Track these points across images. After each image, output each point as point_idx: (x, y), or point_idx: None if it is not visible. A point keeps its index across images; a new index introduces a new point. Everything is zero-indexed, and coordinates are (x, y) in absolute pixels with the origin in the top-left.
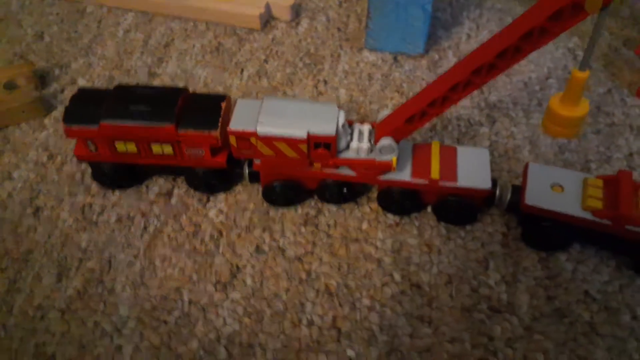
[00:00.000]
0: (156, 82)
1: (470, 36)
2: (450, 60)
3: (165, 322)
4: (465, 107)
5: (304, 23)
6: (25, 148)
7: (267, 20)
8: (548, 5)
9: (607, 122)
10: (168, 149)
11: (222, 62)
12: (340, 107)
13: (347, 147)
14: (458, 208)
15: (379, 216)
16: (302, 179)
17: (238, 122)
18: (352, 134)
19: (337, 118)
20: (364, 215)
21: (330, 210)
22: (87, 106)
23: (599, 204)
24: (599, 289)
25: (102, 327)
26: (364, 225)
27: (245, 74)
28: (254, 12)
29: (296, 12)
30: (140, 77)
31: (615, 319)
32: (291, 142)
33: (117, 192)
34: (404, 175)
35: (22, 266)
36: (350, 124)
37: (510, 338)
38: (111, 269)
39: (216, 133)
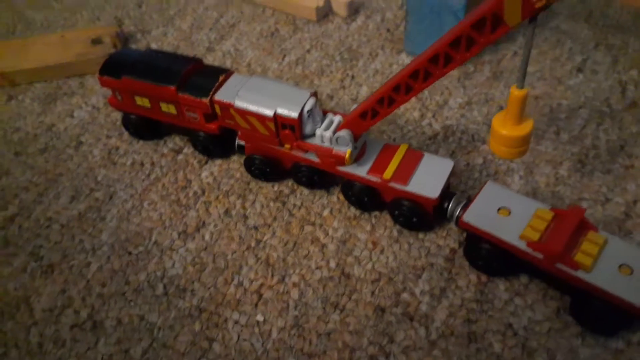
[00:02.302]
0: (210, 56)
1: (517, 54)
2: (484, 74)
3: (130, 253)
4: (475, 122)
5: (359, 20)
6: (91, 94)
7: (327, 13)
8: (473, 15)
9: (624, 163)
10: (172, 109)
11: (271, 46)
12: (314, 94)
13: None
14: (407, 212)
15: (343, 207)
16: (278, 157)
17: (223, 94)
18: (322, 122)
19: (305, 103)
20: (329, 204)
21: (302, 193)
22: (119, 63)
23: (535, 236)
24: (526, 326)
25: (83, 245)
26: (325, 212)
27: (287, 59)
28: (312, 5)
29: (355, 9)
30: (197, 50)
31: (527, 359)
32: (261, 118)
33: (140, 142)
34: (361, 170)
35: (50, 185)
36: (325, 113)
37: (409, 346)
38: (110, 201)
39: (206, 100)
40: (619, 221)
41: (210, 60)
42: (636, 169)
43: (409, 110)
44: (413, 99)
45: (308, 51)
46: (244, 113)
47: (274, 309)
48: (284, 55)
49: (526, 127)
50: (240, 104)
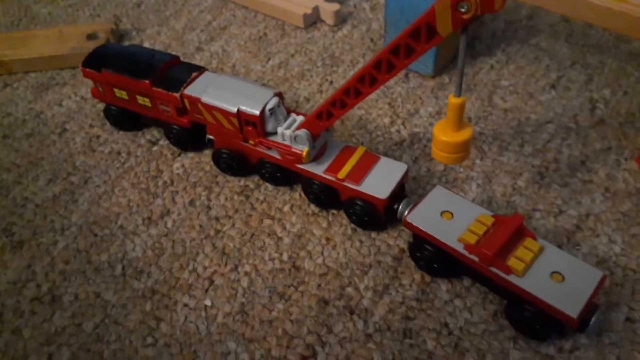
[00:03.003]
0: (198, 56)
1: (494, 68)
2: None
3: (95, 234)
4: None
5: (345, 29)
6: (81, 85)
7: (315, 21)
8: (412, 25)
9: (583, 178)
10: (147, 102)
11: (257, 49)
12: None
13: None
14: (360, 211)
15: (303, 204)
16: (245, 152)
17: (192, 89)
18: (285, 121)
19: (267, 102)
20: (291, 200)
21: (266, 188)
22: (101, 56)
23: (473, 239)
24: (461, 327)
25: (53, 225)
26: (285, 208)
27: (270, 62)
28: (300, 12)
29: (343, 18)
30: (187, 49)
31: (457, 357)
32: (225, 113)
33: (120, 132)
34: (319, 169)
35: (31, 167)
36: (289, 112)
37: (345, 337)
38: (84, 186)
39: (177, 95)
40: (569, 233)
41: (197, 59)
42: (594, 184)
43: (380, 116)
44: (386, 106)
45: (292, 56)
46: (210, 108)
47: (223, 295)
48: (269, 59)
49: (464, 133)
50: (207, 99)
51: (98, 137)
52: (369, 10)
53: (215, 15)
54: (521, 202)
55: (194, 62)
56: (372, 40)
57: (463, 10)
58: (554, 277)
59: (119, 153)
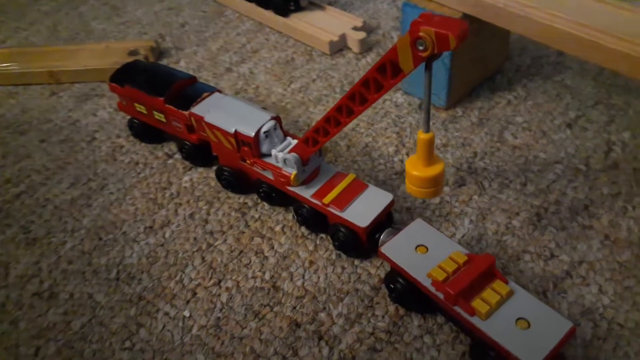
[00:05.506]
0: (226, 76)
1: (511, 103)
2: (471, 119)
3: (100, 238)
4: (446, 164)
5: (369, 57)
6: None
7: (342, 48)
8: (379, 61)
9: (583, 223)
10: (162, 117)
11: (282, 72)
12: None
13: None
14: (343, 237)
15: (295, 226)
16: (244, 171)
17: (199, 108)
18: (280, 144)
19: (263, 125)
20: (284, 221)
21: (263, 207)
22: (127, 72)
23: (442, 275)
24: None
25: (66, 226)
26: (277, 228)
27: (292, 86)
28: (326, 39)
29: (369, 47)
30: (217, 70)
31: None
32: (224, 133)
33: (142, 144)
34: (307, 192)
35: (58, 171)
36: (286, 135)
37: None
38: (100, 192)
39: (186, 113)
40: (557, 279)
41: (225, 79)
42: (594, 230)
43: (386, 144)
44: (394, 135)
45: (313, 80)
46: (212, 127)
47: (202, 308)
48: (291, 82)
49: (435, 169)
50: (209, 118)
51: (122, 147)
52: (396, 39)
53: (249, 38)
54: (512, 242)
55: (222, 82)
56: None
57: (421, 48)
58: (519, 324)
59: (137, 163)
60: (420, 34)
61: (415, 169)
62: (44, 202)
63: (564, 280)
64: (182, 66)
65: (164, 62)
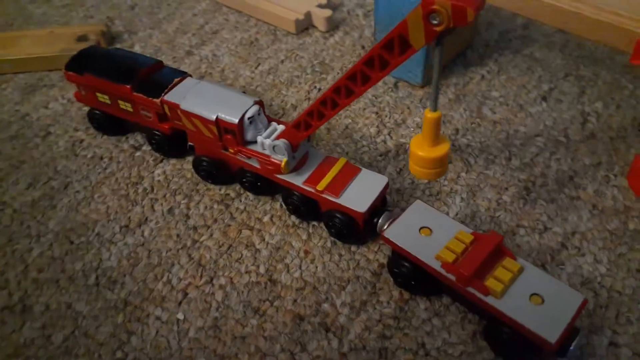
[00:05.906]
0: (187, 60)
1: (485, 78)
2: (448, 96)
3: (72, 242)
4: None
5: (337, 36)
6: (70, 88)
7: (307, 27)
8: (386, 37)
9: (570, 194)
10: (128, 107)
11: (247, 55)
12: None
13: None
14: (339, 223)
15: (284, 215)
16: (225, 160)
17: (172, 95)
18: (265, 130)
19: (247, 110)
20: (272, 210)
21: (247, 198)
22: (84, 59)
23: (451, 257)
24: (439, 347)
25: (29, 231)
26: (265, 218)
27: (260, 68)
28: (292, 17)
29: (335, 25)
30: (177, 53)
31: None
32: (204, 121)
33: (104, 136)
34: (298, 180)
35: (12, 171)
36: (270, 121)
37: (319, 356)
38: (64, 191)
39: (157, 101)
40: (554, 251)
41: (187, 63)
42: (581, 201)
43: (366, 125)
44: (373, 115)
45: (282, 62)
46: (189, 115)
47: (196, 309)
48: (258, 64)
49: (442, 149)
50: (186, 106)
51: (82, 141)
52: (362, 17)
53: (207, 19)
54: (505, 217)
55: (183, 66)
56: (363, 47)
57: (435, 22)
58: (533, 299)
59: (101, 158)
60: (435, 6)
61: (421, 149)
62: (0, 206)
63: (560, 252)
64: (138, 51)
65: (116, 45)
